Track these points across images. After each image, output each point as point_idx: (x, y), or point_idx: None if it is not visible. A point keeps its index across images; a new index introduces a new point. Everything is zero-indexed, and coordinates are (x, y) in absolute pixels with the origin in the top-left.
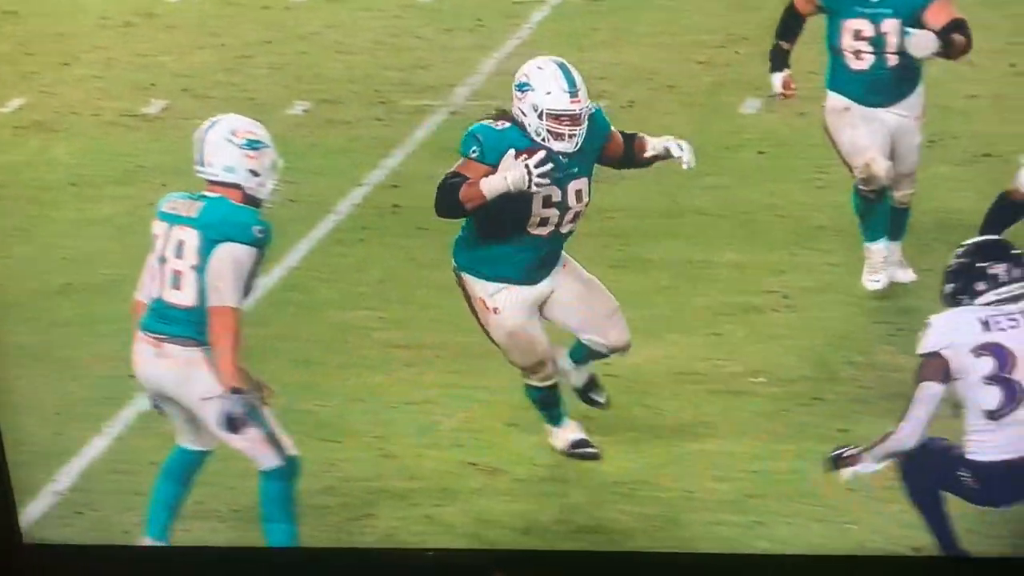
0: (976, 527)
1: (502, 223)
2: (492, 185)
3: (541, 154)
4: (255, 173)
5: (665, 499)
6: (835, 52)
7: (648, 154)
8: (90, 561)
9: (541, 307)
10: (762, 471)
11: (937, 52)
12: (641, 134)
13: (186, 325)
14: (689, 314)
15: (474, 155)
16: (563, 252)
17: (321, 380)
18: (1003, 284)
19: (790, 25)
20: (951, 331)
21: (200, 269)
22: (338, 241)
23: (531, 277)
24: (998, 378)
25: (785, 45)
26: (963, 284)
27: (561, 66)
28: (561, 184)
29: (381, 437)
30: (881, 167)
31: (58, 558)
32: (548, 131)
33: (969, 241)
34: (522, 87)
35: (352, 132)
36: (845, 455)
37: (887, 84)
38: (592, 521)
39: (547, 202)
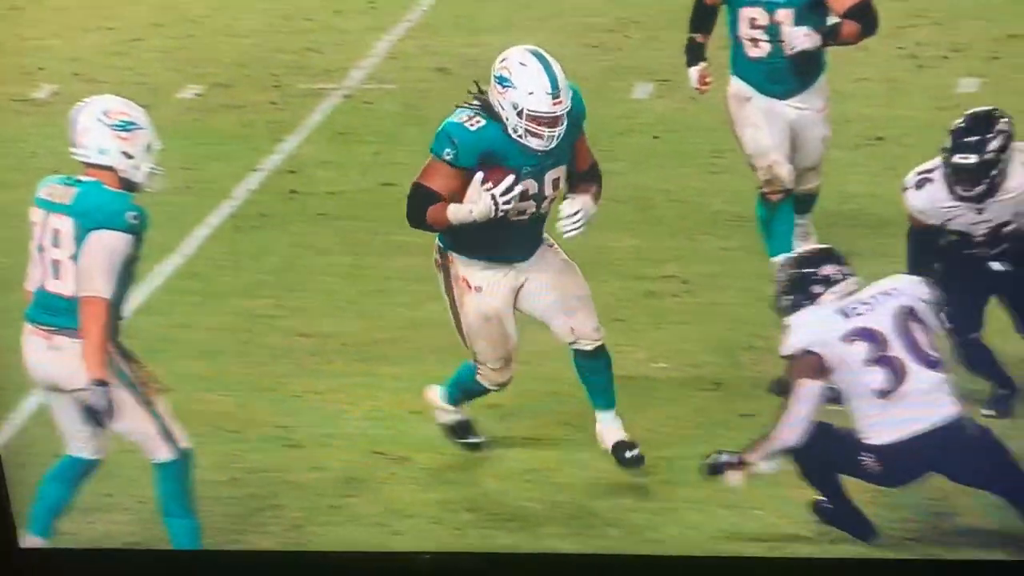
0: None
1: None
2: (458, 215)
3: (508, 180)
4: (128, 155)
5: (573, 486)
6: (736, 39)
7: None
8: (88, 564)
9: (516, 296)
10: (668, 457)
11: (822, 44)
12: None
13: (71, 316)
14: (598, 299)
15: (448, 157)
16: (546, 234)
17: (223, 370)
18: (837, 282)
19: (701, 17)
20: (814, 328)
21: (77, 257)
22: (236, 228)
23: (516, 255)
24: (877, 358)
25: (699, 38)
26: (799, 293)
27: (544, 63)
28: (538, 177)
29: (286, 427)
30: (783, 170)
31: (55, 562)
32: (526, 130)
33: (790, 255)
34: (503, 81)
35: (246, 116)
36: (724, 460)
37: (785, 73)
38: (502, 509)
39: (524, 196)
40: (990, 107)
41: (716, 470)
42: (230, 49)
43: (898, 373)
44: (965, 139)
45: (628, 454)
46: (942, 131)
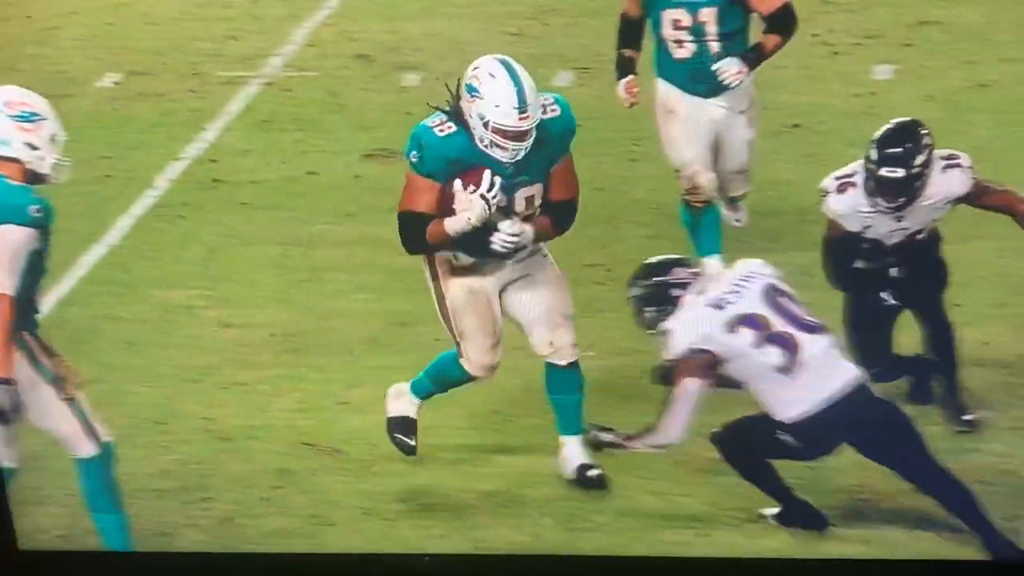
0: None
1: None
2: (457, 226)
3: (487, 175)
4: (32, 146)
5: (504, 475)
6: (660, 41)
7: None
8: (86, 566)
9: (503, 292)
10: None
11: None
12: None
13: None
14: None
15: (413, 159)
16: (542, 246)
17: (148, 361)
18: (691, 283)
19: (627, 32)
20: (695, 326)
21: None
22: (159, 217)
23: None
24: (767, 338)
25: (628, 53)
26: (661, 302)
27: (513, 76)
28: (508, 191)
29: (213, 419)
30: (705, 179)
31: (54, 563)
32: (492, 141)
33: (640, 271)
34: (471, 91)
35: (166, 105)
36: (605, 440)
37: (711, 73)
38: (433, 500)
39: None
40: (910, 119)
41: (596, 446)
42: (148, 37)
43: (790, 345)
44: (892, 152)
45: (591, 473)
46: (858, 118)
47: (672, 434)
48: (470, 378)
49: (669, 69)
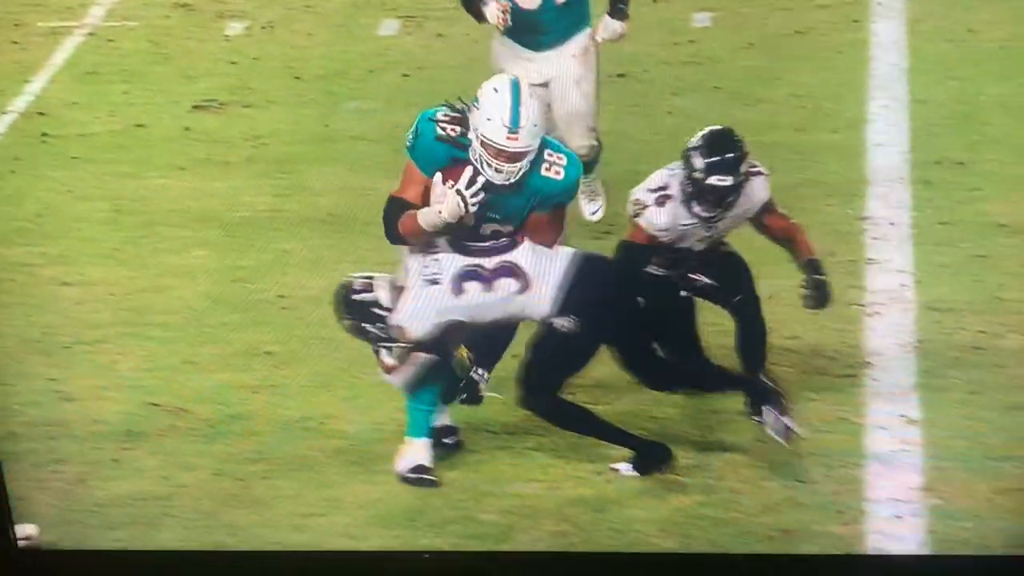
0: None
1: None
2: (427, 218)
3: (468, 172)
4: None
5: (354, 433)
6: None
7: None
8: (86, 565)
9: None
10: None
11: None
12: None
13: None
14: (362, 242)
15: (408, 143)
16: None
17: None
18: (372, 290)
19: None
20: (427, 310)
21: None
22: None
23: None
24: (489, 277)
25: None
26: (371, 320)
27: (514, 96)
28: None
29: (57, 379)
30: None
31: (53, 562)
32: (481, 157)
33: (335, 307)
34: (475, 101)
35: None
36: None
37: (552, 24)
38: (283, 457)
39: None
40: (725, 127)
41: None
42: None
43: (511, 270)
44: (720, 159)
45: (448, 440)
46: (680, 67)
47: (399, 381)
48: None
49: (513, 25)
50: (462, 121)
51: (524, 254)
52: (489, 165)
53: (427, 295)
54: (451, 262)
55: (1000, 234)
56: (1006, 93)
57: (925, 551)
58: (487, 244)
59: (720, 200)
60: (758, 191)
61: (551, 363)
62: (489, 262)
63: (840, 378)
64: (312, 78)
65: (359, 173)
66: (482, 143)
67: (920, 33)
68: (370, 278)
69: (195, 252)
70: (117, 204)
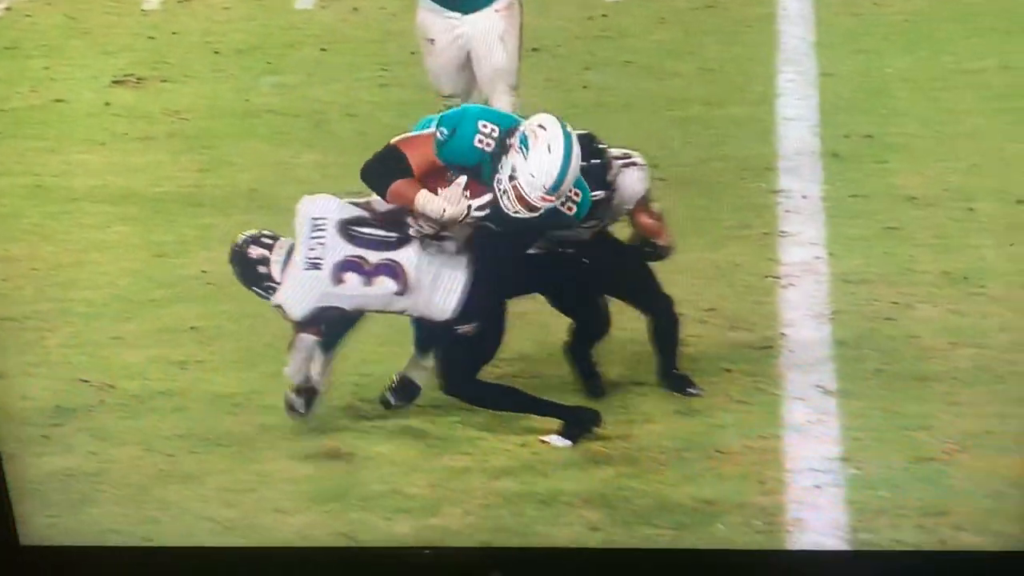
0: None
1: None
2: (428, 206)
3: (487, 198)
4: None
5: (281, 408)
6: None
7: None
8: (89, 561)
9: None
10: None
11: None
12: None
13: None
14: (282, 216)
15: (439, 137)
16: None
17: None
18: (269, 256)
19: None
20: (307, 293)
21: None
22: None
23: None
24: (371, 272)
25: None
26: (256, 283)
27: (565, 160)
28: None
29: None
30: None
31: (57, 559)
32: (508, 195)
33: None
34: (523, 142)
35: None
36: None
37: None
38: (211, 432)
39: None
40: (586, 132)
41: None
42: None
43: (393, 270)
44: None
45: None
46: (592, 41)
47: (292, 375)
48: None
49: None
50: (501, 146)
51: (410, 256)
52: (510, 204)
53: (307, 279)
54: (335, 248)
55: (910, 206)
56: (911, 66)
57: (843, 519)
58: (374, 236)
59: (598, 209)
60: (636, 183)
61: (462, 360)
62: (373, 256)
63: (757, 350)
64: (230, 52)
65: (280, 147)
66: (513, 185)
67: (827, 6)
68: (270, 244)
69: (118, 228)
70: (39, 179)
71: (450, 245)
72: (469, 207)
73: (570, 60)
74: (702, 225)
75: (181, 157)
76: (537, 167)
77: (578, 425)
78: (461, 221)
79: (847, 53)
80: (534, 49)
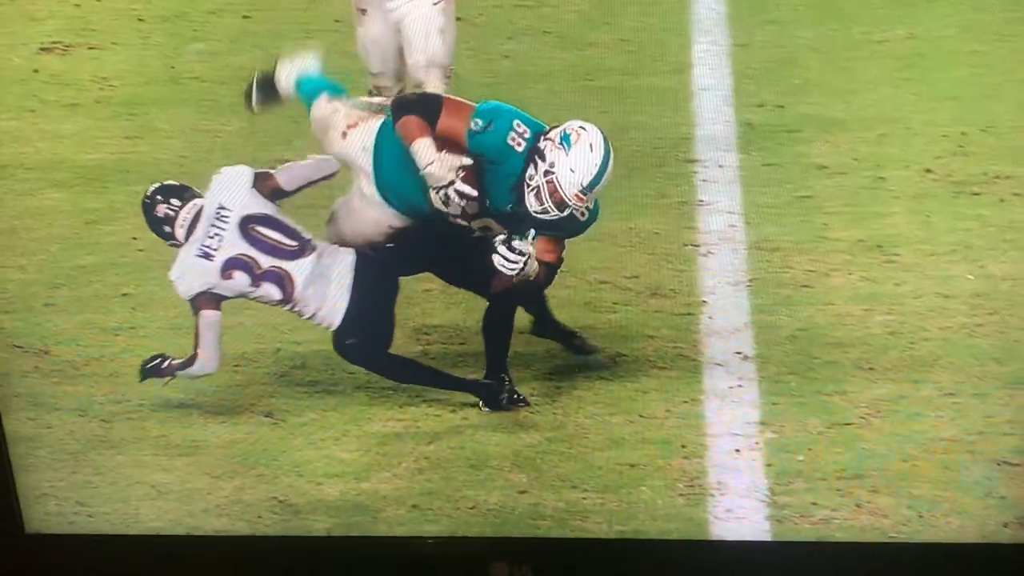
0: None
1: None
2: (421, 151)
3: (471, 192)
4: None
5: (216, 377)
6: None
7: None
8: (94, 550)
9: None
10: (297, 341)
11: None
12: None
13: None
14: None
15: (474, 127)
16: None
17: None
18: (173, 218)
19: None
20: (195, 277)
21: None
22: None
23: None
24: (260, 276)
25: None
26: (160, 235)
27: (603, 163)
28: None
29: None
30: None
31: (62, 547)
32: (540, 189)
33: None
34: (564, 139)
35: None
36: (161, 365)
37: None
38: (145, 398)
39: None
40: None
41: (146, 373)
42: None
43: (281, 280)
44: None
45: None
46: (511, 10)
47: (208, 362)
48: None
49: None
50: (531, 148)
51: (303, 268)
52: (539, 197)
53: (197, 265)
54: (231, 244)
55: (822, 175)
56: (820, 36)
57: (762, 482)
58: (271, 239)
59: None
60: None
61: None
62: (265, 260)
63: (678, 316)
64: (155, 19)
65: (207, 115)
66: (548, 180)
67: None
68: (178, 206)
69: (48, 194)
70: None
71: (345, 258)
72: (453, 182)
73: (490, 29)
74: (621, 194)
75: (109, 124)
76: (577, 163)
77: (487, 398)
78: (437, 190)
79: (758, 24)
80: (457, 19)
